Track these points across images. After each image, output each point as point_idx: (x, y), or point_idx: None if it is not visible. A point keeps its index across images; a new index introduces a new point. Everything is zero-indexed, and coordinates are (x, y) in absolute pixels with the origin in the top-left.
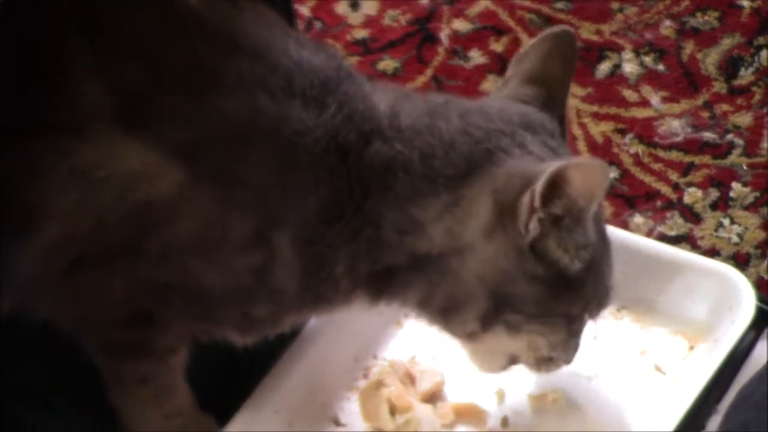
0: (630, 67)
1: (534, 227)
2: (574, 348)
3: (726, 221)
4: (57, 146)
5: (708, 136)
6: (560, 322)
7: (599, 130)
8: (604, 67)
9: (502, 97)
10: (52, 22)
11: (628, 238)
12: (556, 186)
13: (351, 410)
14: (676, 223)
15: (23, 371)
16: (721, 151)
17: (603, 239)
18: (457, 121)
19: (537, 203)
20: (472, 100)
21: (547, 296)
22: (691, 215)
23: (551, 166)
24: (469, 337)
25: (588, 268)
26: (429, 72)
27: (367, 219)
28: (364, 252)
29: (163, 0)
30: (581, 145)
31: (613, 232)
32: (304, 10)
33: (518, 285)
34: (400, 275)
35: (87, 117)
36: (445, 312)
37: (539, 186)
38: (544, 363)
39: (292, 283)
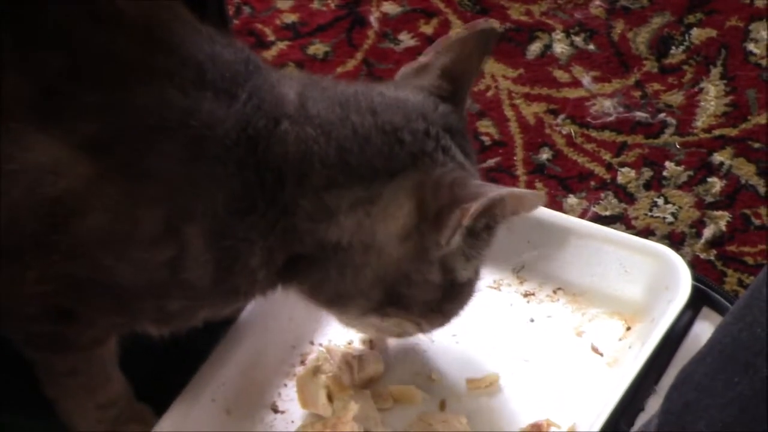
0: (560, 48)
1: (455, 241)
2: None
3: (660, 201)
4: None
5: (640, 115)
6: (437, 317)
7: (531, 111)
8: (534, 48)
9: (420, 86)
10: None
11: (562, 220)
12: (489, 209)
13: (289, 397)
14: (610, 204)
15: None
16: (653, 130)
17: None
18: (371, 117)
19: (467, 221)
20: (390, 92)
21: (435, 300)
22: (625, 195)
23: (492, 191)
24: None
25: (473, 276)
26: (359, 55)
27: (282, 210)
28: (279, 243)
29: None
30: (513, 126)
31: (548, 213)
32: None
33: (414, 289)
34: (305, 263)
35: (3, 109)
36: (333, 301)
37: (475, 208)
38: (404, 335)
39: (205, 276)
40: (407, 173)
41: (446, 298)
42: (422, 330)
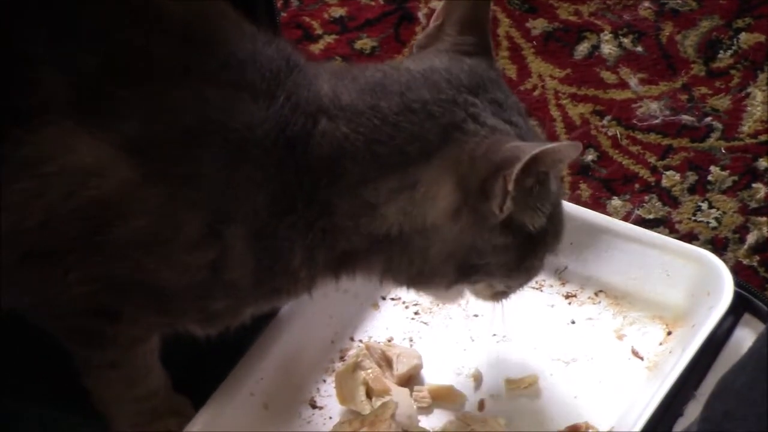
0: (608, 49)
1: (508, 207)
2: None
3: (704, 205)
4: (8, 135)
5: (686, 119)
6: (522, 272)
7: (577, 111)
8: (582, 48)
9: (442, 50)
10: (8, 9)
11: (605, 222)
12: (528, 168)
13: (327, 393)
14: (654, 207)
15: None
16: (699, 134)
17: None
18: (399, 99)
19: (511, 187)
20: (416, 64)
21: (515, 259)
22: (669, 199)
23: (524, 153)
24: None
25: (549, 218)
26: (407, 51)
27: (320, 210)
28: (319, 242)
29: None
30: (559, 126)
31: (591, 215)
32: None
33: (486, 256)
34: (361, 257)
35: (40, 106)
36: (413, 280)
37: (514, 173)
38: (499, 296)
39: (246, 277)
40: (442, 152)
41: (525, 254)
42: (511, 289)
